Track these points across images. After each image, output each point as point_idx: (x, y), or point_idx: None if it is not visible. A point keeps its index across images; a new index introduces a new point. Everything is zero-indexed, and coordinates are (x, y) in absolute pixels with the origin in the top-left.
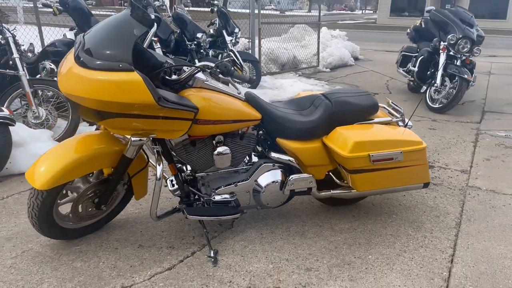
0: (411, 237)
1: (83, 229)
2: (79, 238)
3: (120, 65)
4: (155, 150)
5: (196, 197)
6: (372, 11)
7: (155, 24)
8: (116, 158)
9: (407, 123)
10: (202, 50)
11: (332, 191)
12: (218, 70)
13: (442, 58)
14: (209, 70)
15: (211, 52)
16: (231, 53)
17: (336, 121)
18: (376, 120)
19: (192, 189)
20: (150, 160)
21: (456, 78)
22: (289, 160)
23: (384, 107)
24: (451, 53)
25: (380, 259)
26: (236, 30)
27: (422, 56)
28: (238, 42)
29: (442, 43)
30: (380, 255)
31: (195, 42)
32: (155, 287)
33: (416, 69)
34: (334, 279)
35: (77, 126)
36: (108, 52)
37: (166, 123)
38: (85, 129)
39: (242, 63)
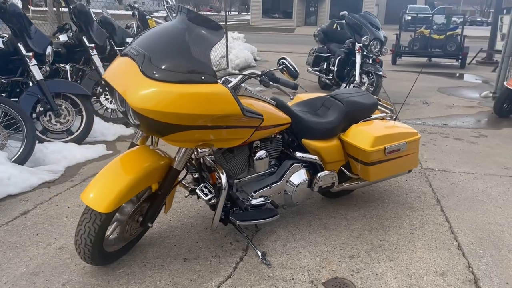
0: (411, 217)
1: (120, 250)
2: (115, 261)
3: (203, 77)
4: (209, 160)
5: (229, 204)
6: (236, 12)
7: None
8: (162, 172)
9: (396, 117)
10: None
11: (344, 184)
12: (267, 77)
13: (359, 58)
14: (258, 78)
15: None
16: (284, 60)
17: (349, 120)
18: (376, 116)
19: (237, 195)
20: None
21: (371, 75)
22: (315, 158)
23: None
24: (364, 53)
25: (400, 239)
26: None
27: (340, 57)
28: None
29: (357, 44)
30: (398, 236)
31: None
32: None
33: (335, 68)
34: (377, 261)
35: (34, 145)
36: (186, 64)
37: (232, 132)
38: (40, 146)
39: (296, 68)
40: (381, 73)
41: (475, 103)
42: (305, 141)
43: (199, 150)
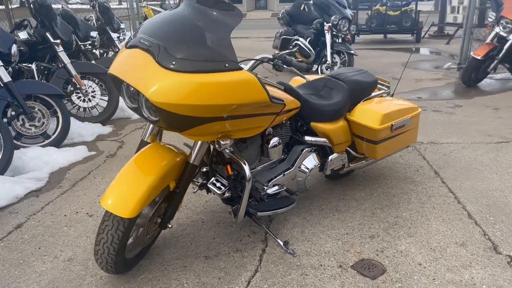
0: (416, 191)
1: (138, 255)
2: (133, 268)
3: (227, 65)
4: (227, 151)
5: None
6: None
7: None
8: (179, 169)
9: (393, 94)
10: (94, 51)
11: (351, 165)
12: (280, 61)
13: (329, 38)
14: (271, 62)
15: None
16: (297, 41)
17: (353, 99)
18: (376, 93)
19: (256, 185)
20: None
21: (343, 54)
22: (324, 141)
23: None
24: (334, 32)
25: (413, 214)
26: (122, 25)
27: (309, 38)
28: (124, 38)
29: (326, 24)
30: (410, 211)
31: (89, 42)
32: None
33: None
34: (398, 238)
35: (13, 152)
36: (207, 52)
37: (254, 120)
38: None
39: (310, 48)
40: (352, 51)
41: (440, 75)
42: (314, 124)
43: (222, 142)
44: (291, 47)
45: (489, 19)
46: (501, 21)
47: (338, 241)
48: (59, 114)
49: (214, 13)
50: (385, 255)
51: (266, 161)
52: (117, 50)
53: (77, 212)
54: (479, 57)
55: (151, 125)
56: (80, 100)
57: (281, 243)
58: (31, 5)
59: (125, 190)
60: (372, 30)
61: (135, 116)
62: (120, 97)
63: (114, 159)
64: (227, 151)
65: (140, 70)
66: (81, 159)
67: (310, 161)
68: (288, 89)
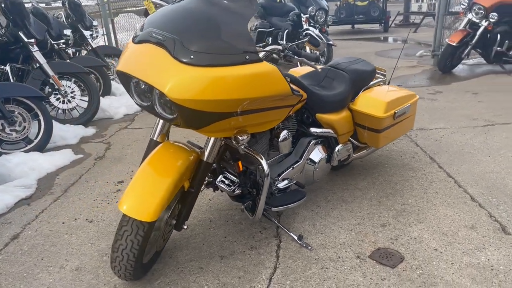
0: (416, 177)
1: (152, 259)
2: (146, 273)
3: (247, 57)
4: (242, 147)
5: (255, 191)
6: None
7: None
8: (193, 168)
9: (389, 81)
10: (68, 50)
11: (354, 154)
12: (290, 51)
13: None
14: (282, 53)
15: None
16: (308, 30)
17: (355, 89)
18: (374, 82)
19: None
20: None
21: None
22: (330, 132)
23: None
24: (311, 24)
25: (418, 200)
26: (95, 22)
27: (287, 30)
28: (97, 36)
29: (303, 15)
30: (415, 197)
31: (63, 41)
32: (285, 287)
33: (284, 42)
34: (409, 225)
35: None
36: (226, 44)
37: (272, 114)
38: None
39: (322, 37)
40: (331, 42)
41: (414, 62)
42: (319, 116)
43: (240, 138)
44: (301, 37)
45: (462, 6)
46: (474, 8)
47: (351, 232)
48: (41, 117)
49: (227, 2)
50: (400, 243)
51: (273, 155)
52: (90, 48)
53: (75, 219)
54: (454, 44)
55: (160, 124)
56: (59, 102)
57: (295, 238)
58: (2, 3)
59: (144, 193)
60: (341, 20)
61: (118, 116)
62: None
63: (103, 161)
64: (242, 146)
65: (155, 66)
66: (68, 163)
67: (317, 153)
68: (294, 80)
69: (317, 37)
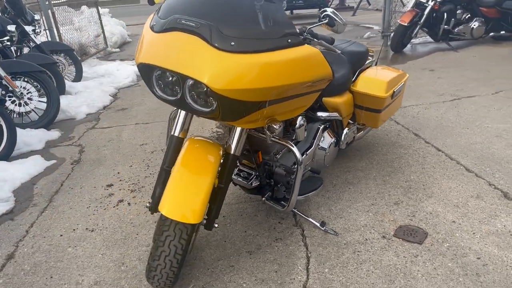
0: (409, 154)
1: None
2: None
3: (289, 40)
4: (271, 137)
5: (273, 182)
6: None
7: None
8: (219, 163)
9: (377, 62)
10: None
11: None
12: (309, 34)
13: None
14: (301, 37)
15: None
16: (326, 12)
17: (353, 70)
18: (367, 62)
19: (282, 170)
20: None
21: None
22: (336, 116)
23: None
24: None
25: (419, 176)
26: (36, 17)
27: None
28: (40, 31)
29: None
30: (415, 173)
31: (7, 38)
32: (325, 275)
33: None
34: (420, 201)
35: None
36: (266, 28)
37: (304, 99)
38: None
39: (341, 18)
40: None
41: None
42: (326, 99)
43: (275, 126)
44: (320, 19)
45: None
46: None
47: (369, 213)
48: (2, 123)
49: None
50: (418, 218)
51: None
52: (33, 45)
53: (73, 230)
54: (405, 24)
55: (181, 119)
56: (15, 105)
57: (318, 224)
58: None
59: (186, 194)
60: None
61: (80, 116)
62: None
63: (82, 166)
64: (271, 135)
65: (190, 56)
66: (43, 170)
67: (327, 138)
68: None
69: (336, 18)
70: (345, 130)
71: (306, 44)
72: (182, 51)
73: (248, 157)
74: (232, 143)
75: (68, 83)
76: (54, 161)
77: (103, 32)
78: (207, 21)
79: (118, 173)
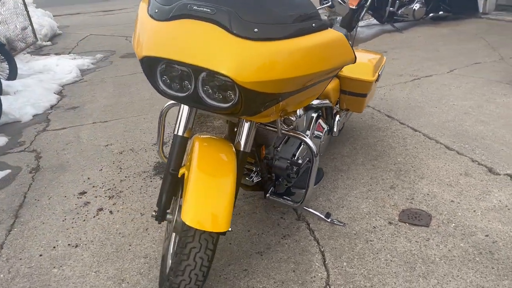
0: (388, 136)
1: None
2: None
3: (314, 24)
4: (281, 130)
5: (274, 176)
6: None
7: None
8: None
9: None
10: None
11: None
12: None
13: None
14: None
15: None
16: None
17: None
18: None
19: (285, 164)
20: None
21: None
22: (327, 103)
23: None
24: None
25: (405, 158)
26: None
27: None
28: None
29: None
30: (401, 155)
31: None
32: (345, 269)
33: None
34: (414, 183)
35: None
36: (289, 11)
37: (316, 88)
38: None
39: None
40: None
41: None
42: None
43: (292, 118)
44: (323, 1)
45: None
46: None
47: (368, 200)
48: None
49: None
50: (417, 201)
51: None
52: None
53: (54, 247)
54: (354, 7)
55: (184, 117)
56: None
57: (323, 216)
58: None
59: (210, 200)
60: None
61: (26, 117)
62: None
63: (43, 174)
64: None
65: (208, 46)
66: None
67: (321, 125)
68: None
69: (340, 1)
70: (337, 117)
71: (329, 28)
72: (198, 41)
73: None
74: (241, 140)
75: (4, 82)
76: (8, 171)
77: (31, 24)
78: (224, 6)
79: (88, 178)
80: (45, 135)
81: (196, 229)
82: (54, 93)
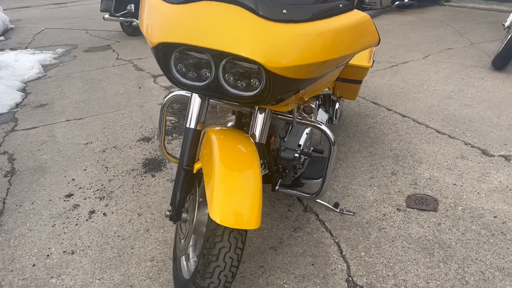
0: (380, 123)
1: None
2: None
3: (341, 5)
4: (296, 119)
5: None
6: None
7: None
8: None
9: None
10: None
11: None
12: None
13: None
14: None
15: None
16: None
17: None
18: None
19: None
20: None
21: None
22: (327, 90)
23: None
24: None
25: (400, 143)
26: None
27: None
28: None
29: None
30: (395, 141)
31: None
32: (364, 259)
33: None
34: (414, 167)
35: None
36: None
37: (334, 73)
38: None
39: None
40: None
41: None
42: None
43: (313, 106)
44: None
45: None
46: None
47: (372, 187)
48: None
49: None
50: (421, 186)
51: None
52: None
53: (47, 255)
54: None
55: (196, 109)
56: None
57: (331, 206)
58: None
59: (239, 196)
60: None
61: None
62: None
63: (21, 177)
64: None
65: (233, 29)
66: None
67: (322, 115)
68: None
69: None
70: (337, 105)
71: (355, 9)
72: (221, 25)
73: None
74: (255, 131)
75: None
76: None
77: None
78: None
79: (73, 179)
80: (15, 136)
81: (225, 228)
82: (18, 90)
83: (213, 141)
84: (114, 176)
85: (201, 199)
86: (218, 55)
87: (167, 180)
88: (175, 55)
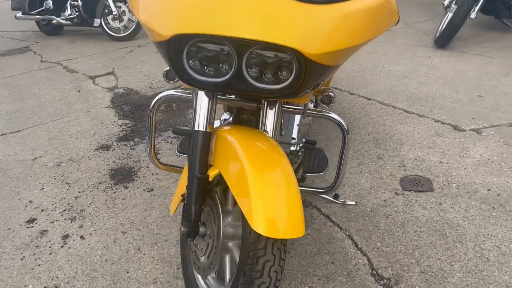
0: (349, 108)
1: None
2: None
3: None
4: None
5: None
6: None
7: None
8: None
9: None
10: None
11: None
12: None
13: None
14: None
15: None
16: None
17: None
18: None
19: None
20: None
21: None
22: None
23: None
24: None
25: (374, 126)
26: None
27: None
28: None
29: None
30: (369, 124)
31: None
32: (381, 249)
33: (80, 2)
34: (397, 149)
35: None
36: None
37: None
38: None
39: None
40: None
41: None
42: None
43: (332, 94)
44: None
45: None
46: None
47: (364, 173)
48: None
49: None
50: (410, 167)
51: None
52: None
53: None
54: None
55: (204, 109)
56: None
57: (331, 198)
58: None
59: (281, 203)
60: None
61: None
62: None
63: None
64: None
65: (262, 14)
66: None
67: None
68: None
69: None
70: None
71: None
72: (248, 10)
73: None
74: (266, 127)
75: None
76: None
77: None
78: None
79: (30, 201)
80: None
81: (267, 239)
82: None
83: (232, 142)
84: (79, 192)
85: (223, 209)
86: (242, 45)
87: (144, 190)
88: (188, 48)
